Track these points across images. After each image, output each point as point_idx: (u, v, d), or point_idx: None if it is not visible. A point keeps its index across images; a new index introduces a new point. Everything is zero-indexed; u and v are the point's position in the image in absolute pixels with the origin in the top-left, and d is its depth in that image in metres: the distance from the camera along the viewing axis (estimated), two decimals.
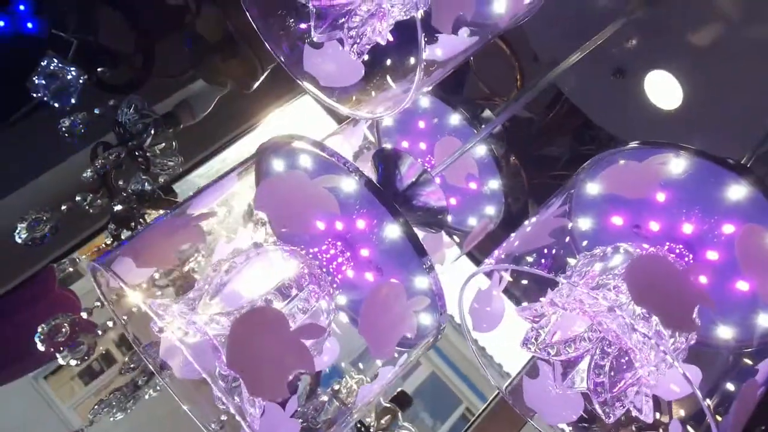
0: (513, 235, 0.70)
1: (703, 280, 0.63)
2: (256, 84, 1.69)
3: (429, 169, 0.75)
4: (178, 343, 0.58)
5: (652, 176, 0.63)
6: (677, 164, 0.66)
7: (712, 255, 0.69)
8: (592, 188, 0.74)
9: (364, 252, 0.68)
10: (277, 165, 0.69)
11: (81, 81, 1.48)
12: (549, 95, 1.48)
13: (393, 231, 0.62)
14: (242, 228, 0.72)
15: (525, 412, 0.74)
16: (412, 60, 0.74)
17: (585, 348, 0.70)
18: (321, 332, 0.54)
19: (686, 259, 0.70)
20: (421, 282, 0.62)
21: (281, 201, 0.60)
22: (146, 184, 1.61)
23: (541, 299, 0.70)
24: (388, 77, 0.72)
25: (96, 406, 1.39)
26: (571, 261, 0.72)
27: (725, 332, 0.70)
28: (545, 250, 0.66)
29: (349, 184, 0.62)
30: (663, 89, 1.05)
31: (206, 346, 0.62)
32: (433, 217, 0.70)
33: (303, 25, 0.76)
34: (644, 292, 0.54)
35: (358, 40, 0.67)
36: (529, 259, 0.68)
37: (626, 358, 0.69)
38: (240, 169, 0.71)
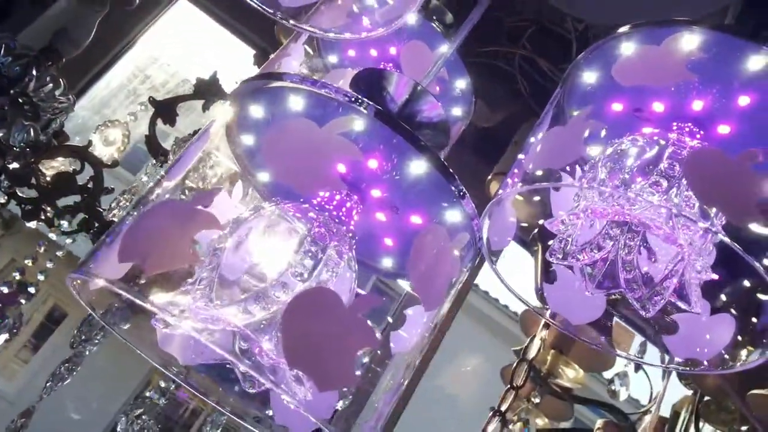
0: (523, 156, 0.63)
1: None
2: None
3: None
4: (198, 336, 0.50)
5: (678, 58, 0.58)
6: (691, 41, 0.61)
7: (723, 129, 0.67)
8: (590, 77, 0.69)
9: (375, 192, 0.60)
10: (256, 111, 0.58)
11: None
12: None
13: (414, 161, 0.54)
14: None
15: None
16: None
17: (609, 246, 0.68)
18: (377, 301, 0.47)
19: (697, 136, 0.67)
20: (453, 213, 0.56)
21: (293, 155, 0.50)
22: (32, 131, 1.42)
23: (561, 212, 0.66)
24: None
25: (49, 383, 1.28)
26: None
27: None
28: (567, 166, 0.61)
29: (359, 123, 0.53)
30: None
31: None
32: (439, 134, 0.63)
33: None
34: (707, 189, 0.50)
35: None
36: (539, 173, 0.63)
37: (652, 251, 0.67)
38: (209, 125, 0.60)
